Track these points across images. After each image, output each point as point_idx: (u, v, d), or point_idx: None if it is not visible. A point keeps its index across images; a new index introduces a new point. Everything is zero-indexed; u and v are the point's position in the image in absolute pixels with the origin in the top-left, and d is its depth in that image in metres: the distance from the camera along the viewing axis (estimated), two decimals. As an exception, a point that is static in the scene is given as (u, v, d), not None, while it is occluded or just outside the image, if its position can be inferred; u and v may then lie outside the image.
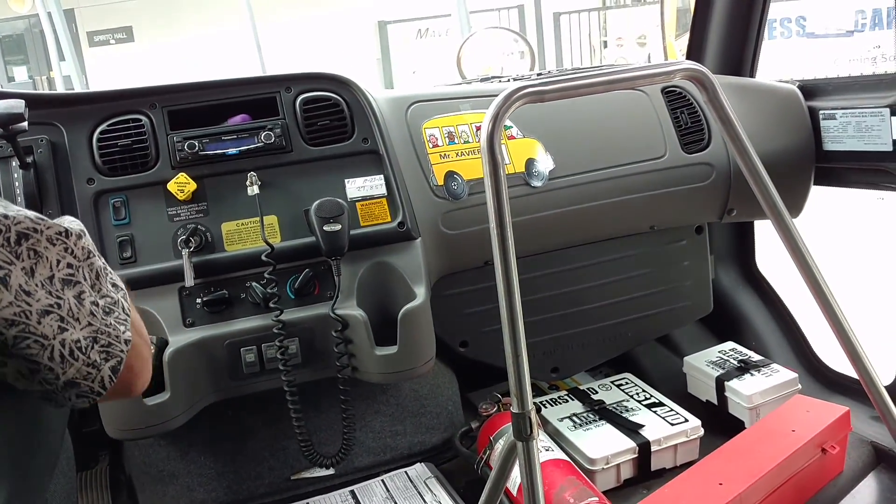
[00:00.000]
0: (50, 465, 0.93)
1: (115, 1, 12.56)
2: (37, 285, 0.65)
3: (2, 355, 0.65)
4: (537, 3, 11.87)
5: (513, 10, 10.56)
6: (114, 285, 0.75)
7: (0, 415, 0.74)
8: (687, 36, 2.34)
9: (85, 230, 0.74)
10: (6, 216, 0.64)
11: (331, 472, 1.78)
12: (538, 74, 2.23)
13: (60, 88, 11.55)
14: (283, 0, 11.22)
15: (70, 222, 0.73)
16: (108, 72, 13.01)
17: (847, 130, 1.81)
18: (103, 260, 0.75)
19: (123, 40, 13.07)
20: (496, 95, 1.83)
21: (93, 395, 0.70)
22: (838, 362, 1.90)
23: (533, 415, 1.14)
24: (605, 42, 10.44)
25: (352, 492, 1.72)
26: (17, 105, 1.37)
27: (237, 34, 10.29)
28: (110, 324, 0.70)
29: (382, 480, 1.75)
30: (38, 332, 0.64)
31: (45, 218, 0.68)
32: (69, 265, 0.69)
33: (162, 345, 1.42)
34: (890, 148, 1.71)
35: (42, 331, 0.64)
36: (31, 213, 0.68)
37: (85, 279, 0.70)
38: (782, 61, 8.24)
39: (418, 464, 1.80)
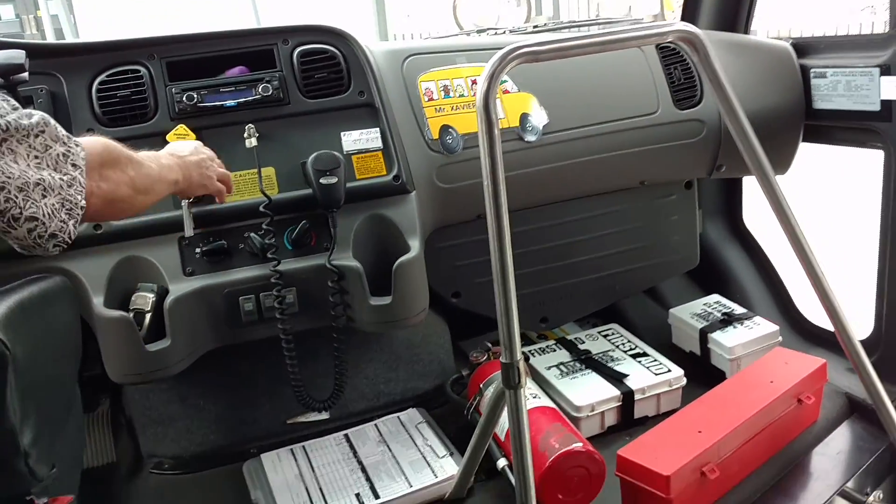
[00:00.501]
0: (65, 407, 0.99)
1: (102, -63, 12.22)
2: (27, 167, 0.92)
3: (15, 222, 0.90)
4: (534, -54, 11.66)
5: (509, -47, 10.39)
6: (73, 165, 0.98)
7: (23, 364, 0.79)
8: (684, -13, 2.33)
9: (45, 121, 0.97)
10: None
11: (325, 416, 1.84)
12: (534, 27, 2.24)
13: (48, 27, 11.34)
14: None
15: (30, 119, 0.95)
16: (97, 12, 12.75)
17: (837, 89, 1.84)
18: (66, 145, 0.99)
19: (112, -22, 12.75)
20: (492, 49, 1.85)
21: (63, 244, 0.96)
22: (819, 316, 1.95)
23: (521, 364, 1.19)
24: (603, -12, 10.29)
25: (346, 435, 1.78)
26: (18, 55, 1.37)
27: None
28: (72, 194, 0.96)
29: (375, 425, 1.81)
30: (32, 196, 0.91)
31: (10, 123, 0.92)
32: (36, 157, 0.94)
33: (162, 293, 1.46)
34: (878, 108, 1.74)
35: (33, 196, 0.91)
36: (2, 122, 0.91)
37: (48, 165, 0.95)
38: (777, 12, 8.19)
39: (410, 409, 1.86)
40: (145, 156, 1.20)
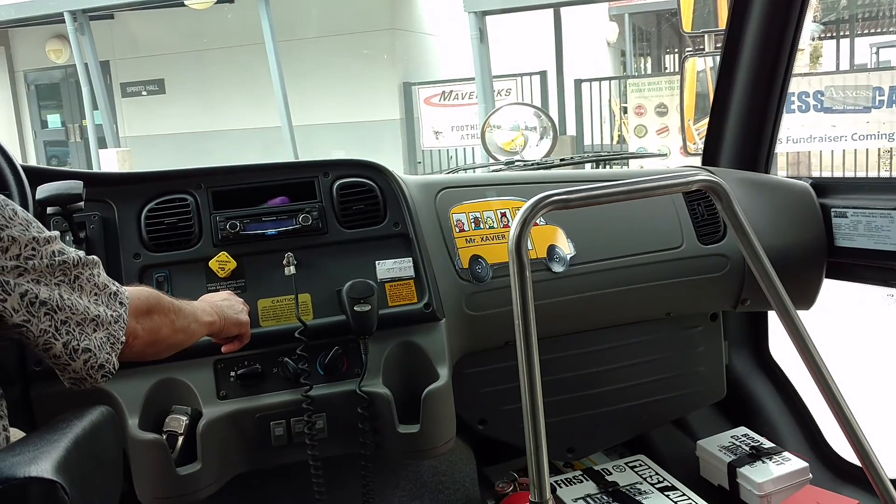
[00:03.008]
0: None
1: (149, 55, 12.95)
2: (89, 302, 1.01)
3: (75, 353, 0.99)
4: (559, 70, 12.13)
5: (535, 76, 10.79)
6: (120, 303, 1.06)
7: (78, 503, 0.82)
8: (706, 120, 2.43)
9: (98, 262, 1.07)
10: (73, 264, 1.01)
11: (350, 544, 1.81)
12: (560, 160, 2.33)
13: (92, 137, 11.88)
14: (310, 54, 11.55)
15: (81, 257, 1.04)
16: (139, 121, 13.37)
17: (857, 229, 1.88)
18: (116, 285, 1.08)
19: (155, 92, 13.43)
20: (520, 184, 1.93)
21: (109, 374, 1.04)
22: (850, 452, 1.93)
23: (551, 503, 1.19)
24: (625, 109, 10.62)
25: (369, 564, 1.75)
26: (76, 186, 1.47)
27: (265, 88, 10.57)
28: (116, 330, 1.04)
29: (399, 554, 1.79)
30: (86, 331, 0.99)
31: (81, 258, 1.02)
32: (96, 294, 1.03)
33: (196, 416, 1.49)
34: (899, 248, 1.78)
35: (86, 330, 0.99)
36: (74, 257, 1.01)
37: (103, 302, 1.03)
38: (798, 132, 8.44)
39: (435, 539, 1.84)
40: (183, 302, 1.31)
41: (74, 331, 0.98)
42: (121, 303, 1.07)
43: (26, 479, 0.77)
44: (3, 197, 0.96)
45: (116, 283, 1.09)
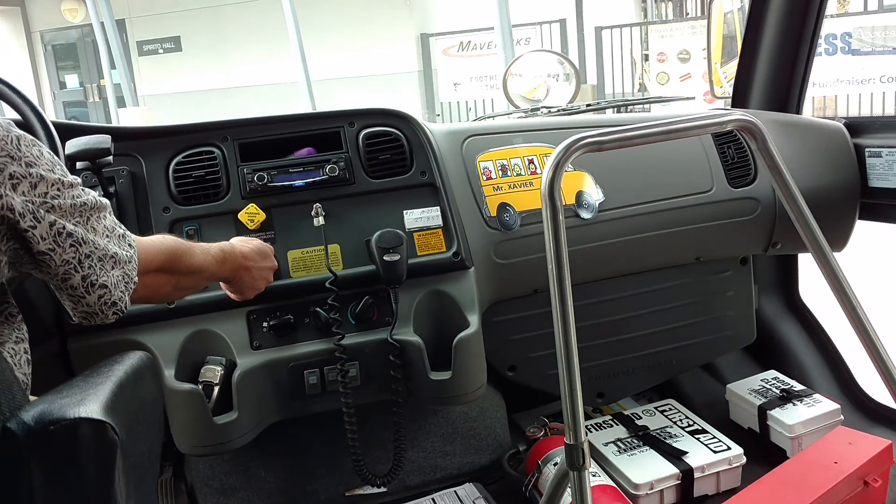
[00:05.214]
0: (155, 481, 1.04)
1: (164, 12, 12.85)
2: (106, 242, 1.01)
3: (91, 287, 1.00)
4: (579, 17, 11.88)
5: (554, 24, 10.58)
6: (129, 245, 1.06)
7: (126, 445, 0.83)
8: (733, 63, 2.38)
9: (108, 204, 1.07)
10: (91, 206, 1.01)
11: (383, 490, 1.85)
12: (587, 105, 2.29)
13: (111, 96, 11.87)
14: (327, 6, 11.41)
15: (94, 199, 1.04)
16: (156, 80, 13.33)
17: (893, 168, 1.84)
18: (123, 228, 1.09)
19: (171, 50, 13.36)
20: (547, 130, 1.90)
21: (120, 313, 1.04)
22: (881, 394, 1.92)
23: (586, 446, 1.20)
24: (647, 56, 10.42)
25: (403, 509, 1.79)
26: (104, 140, 1.46)
27: (281, 43, 10.48)
28: (130, 270, 1.05)
29: (432, 499, 1.82)
30: (105, 267, 1.01)
31: (95, 206, 1.02)
32: (107, 236, 1.02)
33: (230, 366, 1.51)
34: (936, 187, 1.74)
35: (106, 266, 1.01)
36: (92, 200, 1.01)
37: (115, 242, 1.03)
38: (825, 75, 8.25)
39: (467, 484, 1.86)
40: (204, 260, 1.28)
41: (96, 266, 0.99)
42: (130, 244, 1.08)
43: (77, 419, 0.77)
44: (31, 137, 0.95)
45: (122, 226, 1.10)
